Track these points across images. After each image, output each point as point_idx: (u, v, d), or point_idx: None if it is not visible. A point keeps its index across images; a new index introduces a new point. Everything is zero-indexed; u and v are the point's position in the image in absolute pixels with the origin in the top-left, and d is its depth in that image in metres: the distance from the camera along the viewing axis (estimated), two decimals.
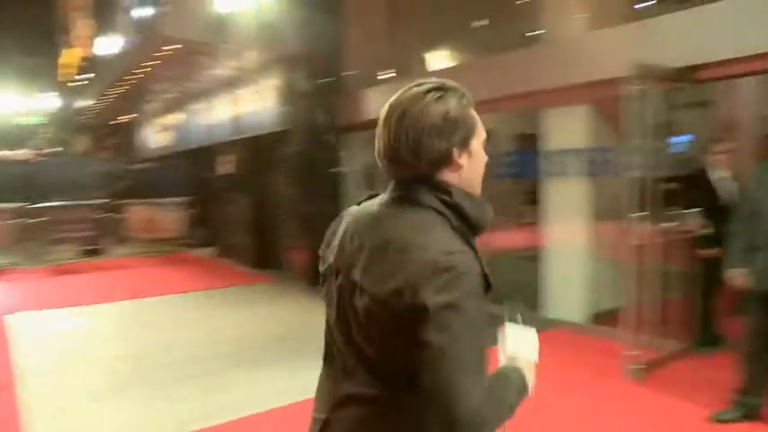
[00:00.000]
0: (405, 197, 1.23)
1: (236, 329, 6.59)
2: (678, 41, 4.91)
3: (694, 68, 4.90)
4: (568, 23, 6.01)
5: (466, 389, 1.09)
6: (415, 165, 1.21)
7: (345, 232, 1.30)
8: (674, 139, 5.36)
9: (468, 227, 1.23)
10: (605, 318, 5.93)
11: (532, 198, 6.77)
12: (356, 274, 1.21)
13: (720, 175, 4.99)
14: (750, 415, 3.83)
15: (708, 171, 5.04)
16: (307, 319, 6.87)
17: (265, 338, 6.20)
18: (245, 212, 10.85)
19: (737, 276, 3.66)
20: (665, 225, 4.86)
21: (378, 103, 8.13)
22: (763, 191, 3.51)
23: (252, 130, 10.08)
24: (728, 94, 8.77)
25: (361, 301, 1.19)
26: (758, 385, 3.81)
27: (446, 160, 1.22)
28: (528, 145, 6.72)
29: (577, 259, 6.15)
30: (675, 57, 4.88)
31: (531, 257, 6.59)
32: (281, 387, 4.70)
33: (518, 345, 1.35)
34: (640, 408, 4.08)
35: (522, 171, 6.72)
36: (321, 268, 1.35)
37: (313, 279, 8.85)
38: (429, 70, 8.64)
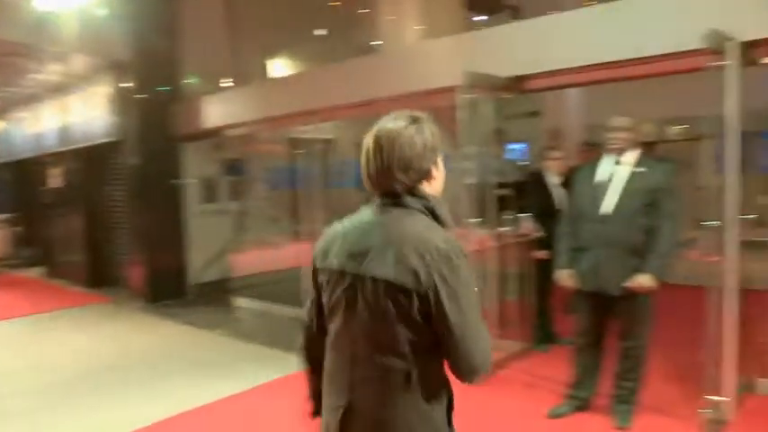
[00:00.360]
0: (397, 204, 1.52)
1: (67, 356, 6.03)
2: (508, 52, 5.01)
3: (522, 79, 5.02)
4: (406, 33, 5.96)
5: (480, 343, 1.43)
6: (404, 180, 1.51)
7: (345, 241, 1.56)
8: (512, 146, 5.44)
9: (438, 223, 1.53)
10: None
11: None
12: (367, 269, 1.47)
13: (553, 180, 5.13)
14: (583, 407, 3.96)
15: (544, 176, 5.19)
16: (145, 340, 6.56)
17: (98, 366, 5.62)
18: (77, 228, 9.99)
19: (565, 277, 3.74)
20: (501, 229, 4.92)
21: (218, 112, 8.12)
22: (581, 195, 3.66)
23: (83, 140, 9.35)
24: (558, 104, 9.31)
25: (377, 289, 1.44)
26: (588, 379, 3.94)
27: (426, 176, 1.54)
28: None
29: None
30: (505, 67, 4.98)
31: None
32: (109, 419, 4.33)
33: None
34: (483, 408, 4.08)
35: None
36: (321, 277, 1.61)
37: (152, 295, 8.30)
38: (269, 78, 8.35)
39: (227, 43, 8.46)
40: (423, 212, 1.53)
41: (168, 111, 8.38)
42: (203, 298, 8.53)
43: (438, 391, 1.52)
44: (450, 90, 4.84)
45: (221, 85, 8.57)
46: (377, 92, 5.97)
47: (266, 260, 8.98)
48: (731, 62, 3.51)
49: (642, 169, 3.54)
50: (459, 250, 1.47)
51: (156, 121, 8.34)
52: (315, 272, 1.66)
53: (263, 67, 8.69)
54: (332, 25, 7.68)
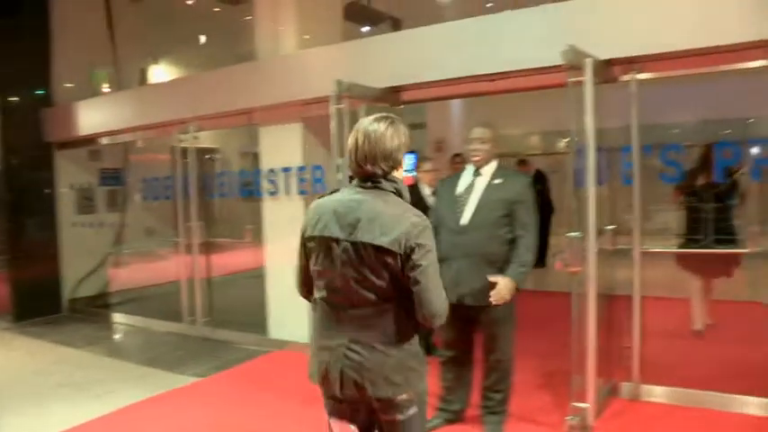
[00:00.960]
0: (376, 186, 1.98)
1: None
2: (383, 63, 4.86)
3: (397, 90, 4.88)
4: (286, 42, 5.68)
5: (439, 292, 1.93)
6: (384, 167, 1.98)
7: (335, 214, 1.98)
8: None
9: (403, 201, 2.00)
10: None
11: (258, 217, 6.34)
12: (359, 236, 1.92)
13: (425, 191, 5.11)
14: (453, 420, 3.83)
15: (419, 188, 5.16)
16: (12, 360, 5.94)
17: None
18: None
19: None
20: None
21: (93, 118, 7.49)
22: (443, 206, 3.61)
23: None
24: (442, 116, 9.36)
25: (367, 252, 1.91)
26: (458, 392, 3.82)
27: (398, 164, 2.02)
28: (256, 163, 6.30)
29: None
30: (381, 78, 4.83)
31: (257, 278, 6.18)
32: None
33: None
34: None
35: (247, 190, 6.25)
36: (311, 245, 2.04)
37: (20, 313, 7.48)
38: (149, 84, 7.83)
39: (104, 48, 7.83)
40: (394, 193, 2.00)
41: (39, 118, 7.68)
42: (79, 314, 7.89)
43: (415, 318, 1.97)
44: (326, 100, 4.59)
45: (103, 89, 7.91)
46: (255, 100, 5.67)
47: (146, 274, 8.50)
48: (587, 78, 3.49)
49: (498, 181, 3.50)
50: (427, 223, 1.95)
51: (26, 127, 7.60)
52: (304, 241, 2.07)
53: (143, 73, 8.10)
54: (214, 32, 7.28)
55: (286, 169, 5.73)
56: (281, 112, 5.61)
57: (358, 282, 1.95)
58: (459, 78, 4.52)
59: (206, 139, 7.86)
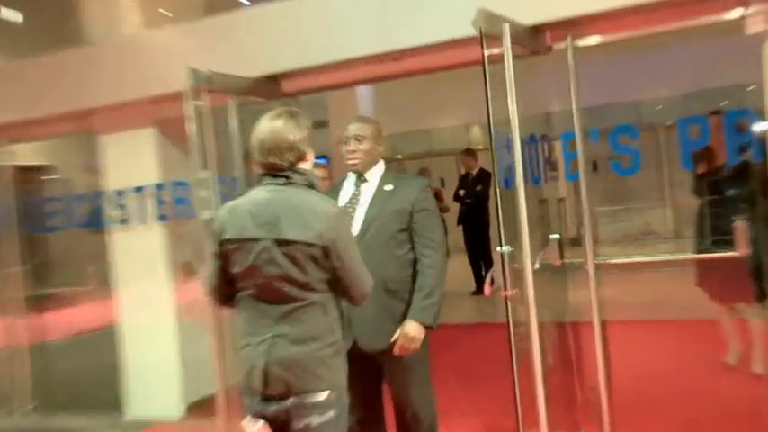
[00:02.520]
0: (288, 183, 2.54)
1: None
2: (257, 44, 4.84)
3: (276, 79, 4.88)
4: (125, 18, 5.59)
5: (363, 271, 2.63)
6: (290, 160, 2.55)
7: (251, 214, 2.53)
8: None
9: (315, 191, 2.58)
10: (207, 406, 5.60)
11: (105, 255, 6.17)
12: (280, 234, 2.46)
13: None
14: None
15: None
16: None
17: None
18: None
19: None
20: None
21: None
22: None
23: None
24: (345, 111, 9.43)
25: (290, 248, 2.45)
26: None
27: (305, 157, 2.60)
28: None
29: (161, 335, 5.77)
30: (255, 64, 4.82)
31: (107, 338, 6.00)
32: None
33: None
34: None
35: (88, 219, 6.08)
36: (228, 247, 2.57)
37: None
38: None
39: None
40: (306, 186, 2.54)
41: None
42: None
43: (337, 311, 2.62)
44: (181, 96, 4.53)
45: None
46: (89, 99, 5.52)
47: None
48: (506, 49, 3.49)
49: (389, 187, 3.52)
50: (342, 212, 2.68)
51: None
52: (220, 244, 2.57)
53: None
54: (31, 7, 7.03)
55: (138, 189, 5.63)
56: (127, 113, 5.51)
57: (282, 278, 2.47)
58: (356, 60, 4.55)
59: (31, 154, 7.59)
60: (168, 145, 5.63)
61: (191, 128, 4.36)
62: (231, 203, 2.63)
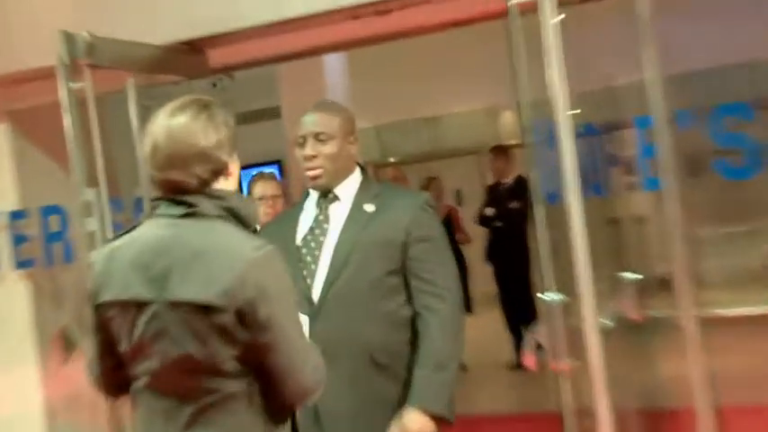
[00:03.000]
0: (194, 213, 2.43)
1: None
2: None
3: (197, 46, 5.00)
4: None
5: (306, 356, 2.47)
6: (200, 174, 2.43)
7: (135, 264, 2.42)
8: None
9: (243, 225, 2.49)
10: None
11: None
12: (172, 293, 2.34)
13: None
14: None
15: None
16: None
17: None
18: None
19: None
20: None
21: None
22: None
23: None
24: (305, 96, 9.53)
25: (187, 314, 2.33)
26: None
27: (225, 170, 2.50)
28: None
29: None
30: (166, 26, 4.95)
31: None
32: None
33: None
34: None
35: None
36: (109, 314, 2.48)
37: None
38: None
39: None
40: (223, 217, 2.44)
41: None
42: None
43: (280, 410, 2.48)
44: (52, 74, 4.55)
45: None
46: None
47: None
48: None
49: (369, 207, 3.55)
50: (272, 256, 2.39)
51: None
52: (96, 310, 2.50)
53: None
54: None
55: None
56: None
57: (182, 360, 2.36)
58: (318, 15, 4.64)
59: None
60: (31, 150, 5.73)
61: (66, 123, 4.41)
62: (110, 247, 2.55)
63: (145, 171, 2.74)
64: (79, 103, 4.44)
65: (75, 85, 4.42)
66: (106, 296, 2.45)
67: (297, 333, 2.45)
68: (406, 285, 3.51)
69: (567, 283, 3.66)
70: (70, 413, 5.74)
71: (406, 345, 3.48)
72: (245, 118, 13.57)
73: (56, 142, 4.30)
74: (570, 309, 3.65)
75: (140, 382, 2.47)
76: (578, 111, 3.70)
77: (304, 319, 3.17)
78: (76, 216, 4.68)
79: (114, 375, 2.57)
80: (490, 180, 10.07)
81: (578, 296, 3.64)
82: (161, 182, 2.46)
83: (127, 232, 2.55)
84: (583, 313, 3.64)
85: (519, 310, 9.15)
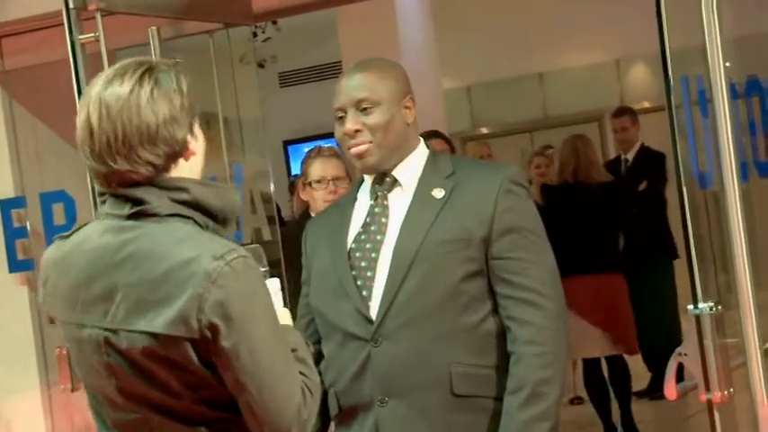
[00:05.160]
0: (142, 212, 2.31)
1: None
2: None
3: None
4: None
5: (283, 385, 2.29)
6: (150, 159, 2.28)
7: (77, 278, 2.35)
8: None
9: (216, 221, 2.36)
10: None
11: None
12: (117, 321, 2.25)
13: None
14: None
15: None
16: None
17: None
18: None
19: None
20: None
21: None
22: (318, 284, 3.79)
23: None
24: (372, 50, 9.58)
25: (135, 348, 2.23)
26: None
27: (182, 152, 2.33)
28: None
29: None
30: None
31: None
32: None
33: (274, 296, 2.47)
34: None
35: None
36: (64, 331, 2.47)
37: None
38: None
39: None
40: (180, 215, 2.31)
41: None
42: None
43: None
44: (55, 22, 4.62)
45: None
46: None
47: None
48: None
49: (439, 192, 3.50)
50: (242, 267, 2.24)
51: None
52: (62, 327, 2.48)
53: None
54: None
55: None
56: None
57: (145, 401, 2.31)
58: None
59: None
60: (29, 120, 5.81)
61: (75, 86, 4.46)
62: (58, 250, 2.46)
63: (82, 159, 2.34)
64: (89, 59, 4.49)
65: (85, 37, 4.49)
66: (58, 314, 2.43)
67: (276, 364, 2.28)
68: (492, 292, 3.46)
69: (721, 291, 3.64)
70: None
71: (493, 369, 3.43)
72: (295, 77, 13.73)
73: (61, 111, 4.32)
74: (725, 323, 3.63)
75: (102, 420, 2.43)
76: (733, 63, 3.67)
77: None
78: (86, 204, 4.74)
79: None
80: (612, 154, 10.01)
81: (736, 308, 3.63)
82: (101, 174, 2.31)
83: (79, 229, 2.46)
84: (744, 329, 3.60)
85: (653, 321, 9.11)
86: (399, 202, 3.52)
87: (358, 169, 3.59)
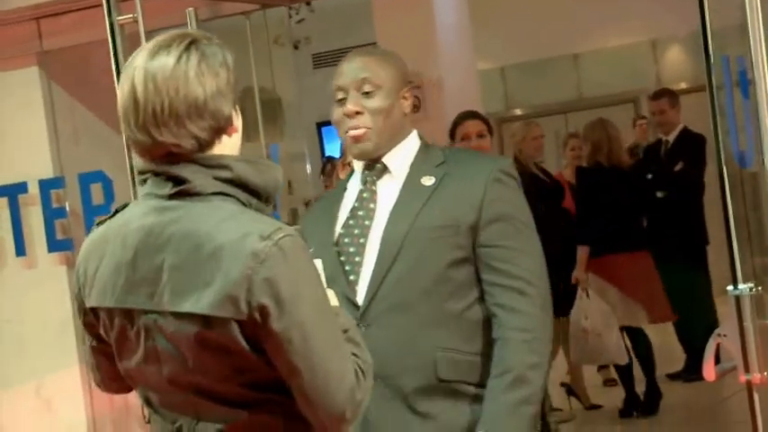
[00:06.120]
0: (180, 191, 2.25)
1: None
2: None
3: None
4: None
5: (338, 366, 2.24)
6: (196, 133, 2.23)
7: (118, 263, 2.31)
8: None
9: (259, 199, 2.31)
10: None
11: None
12: (163, 303, 2.22)
13: None
14: None
15: None
16: None
17: None
18: None
19: None
20: None
21: None
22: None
23: None
24: (406, 29, 9.58)
25: (182, 330, 2.21)
26: None
27: (226, 125, 2.30)
28: None
29: None
30: None
31: None
32: None
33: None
34: None
35: None
36: (99, 319, 2.41)
37: None
38: None
39: None
40: (223, 193, 2.26)
41: None
42: None
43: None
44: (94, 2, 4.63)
45: None
46: None
47: None
48: None
49: (428, 180, 3.49)
50: (291, 245, 2.18)
51: None
52: (84, 314, 2.46)
53: None
54: None
55: (12, 189, 5.84)
56: None
57: (191, 386, 2.29)
58: None
59: None
60: (67, 101, 5.80)
61: (113, 67, 4.46)
62: (97, 234, 2.43)
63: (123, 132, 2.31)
64: (128, 40, 4.50)
65: (123, 18, 4.50)
66: (92, 300, 2.38)
67: (328, 346, 2.22)
68: (479, 280, 3.43)
69: (755, 274, 3.63)
70: (118, 428, 5.84)
71: (478, 356, 3.41)
72: (329, 59, 13.73)
73: (99, 91, 4.32)
74: (765, 304, 3.62)
75: (148, 404, 2.44)
76: None
77: None
78: (124, 184, 4.77)
79: (116, 385, 2.56)
80: (650, 139, 9.98)
81: None
82: (144, 147, 2.26)
83: (118, 211, 2.42)
84: None
85: (688, 308, 8.97)
86: (389, 189, 3.51)
87: (351, 153, 3.59)
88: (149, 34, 4.57)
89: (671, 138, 9.30)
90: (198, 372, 2.21)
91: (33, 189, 5.83)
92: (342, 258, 3.48)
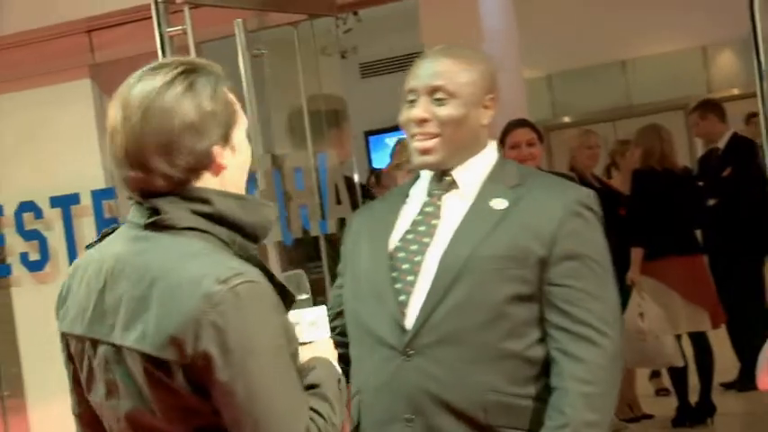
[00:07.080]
0: (156, 222, 2.20)
1: None
2: None
3: None
4: None
5: (289, 420, 2.16)
6: (167, 170, 2.16)
7: (88, 290, 2.30)
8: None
9: (244, 236, 2.27)
10: None
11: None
12: (118, 336, 2.20)
13: None
14: None
15: None
16: None
17: None
18: None
19: None
20: None
21: None
22: (354, 287, 3.58)
23: None
24: (454, 37, 9.60)
25: (133, 366, 2.17)
26: None
27: (205, 161, 2.21)
28: None
29: None
30: None
31: None
32: None
33: (310, 327, 2.46)
34: None
35: None
36: (67, 346, 2.44)
37: None
38: None
39: None
40: (199, 230, 2.21)
41: None
42: None
43: None
44: (141, 16, 4.69)
45: None
46: None
47: None
48: None
49: (500, 203, 3.27)
50: (247, 291, 2.11)
51: None
52: (62, 338, 2.45)
53: None
54: None
55: (65, 200, 5.87)
56: (31, 53, 5.76)
57: (145, 428, 2.26)
58: None
59: None
60: None
61: None
62: (80, 259, 2.46)
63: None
64: (178, 51, 4.53)
65: (173, 30, 4.53)
66: (64, 326, 2.38)
67: (277, 403, 2.15)
68: (541, 317, 3.21)
69: None
70: None
71: (531, 400, 3.20)
72: (376, 68, 13.78)
73: None
74: None
75: None
76: None
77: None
78: None
79: (94, 423, 2.46)
80: (702, 149, 9.98)
81: None
82: (122, 179, 2.25)
83: (106, 235, 2.40)
84: None
85: (744, 312, 8.94)
86: (455, 206, 3.31)
87: (416, 163, 3.30)
88: (198, 46, 4.64)
89: (721, 144, 9.25)
90: (147, 410, 2.18)
91: (86, 200, 5.88)
92: (393, 274, 3.28)
